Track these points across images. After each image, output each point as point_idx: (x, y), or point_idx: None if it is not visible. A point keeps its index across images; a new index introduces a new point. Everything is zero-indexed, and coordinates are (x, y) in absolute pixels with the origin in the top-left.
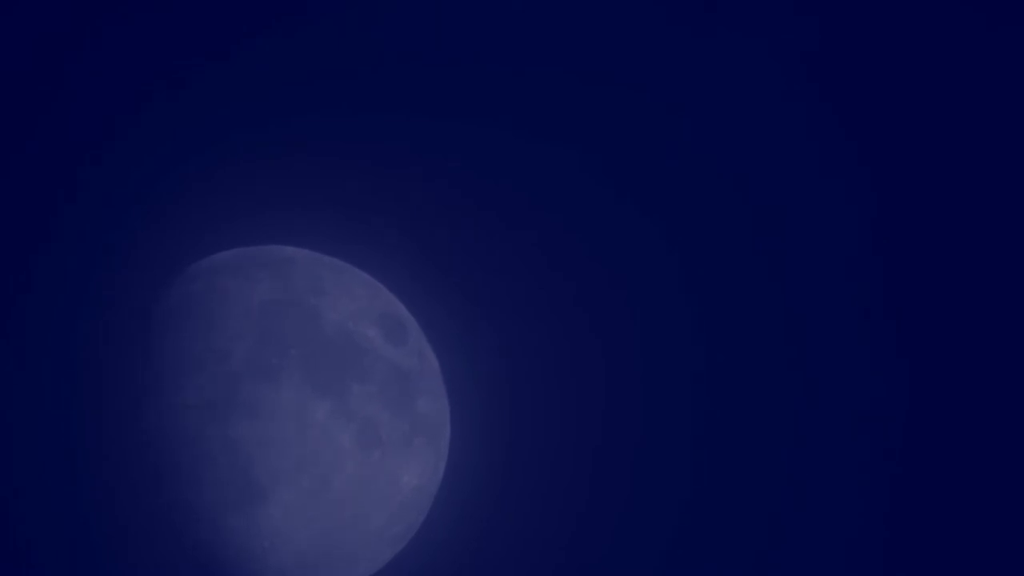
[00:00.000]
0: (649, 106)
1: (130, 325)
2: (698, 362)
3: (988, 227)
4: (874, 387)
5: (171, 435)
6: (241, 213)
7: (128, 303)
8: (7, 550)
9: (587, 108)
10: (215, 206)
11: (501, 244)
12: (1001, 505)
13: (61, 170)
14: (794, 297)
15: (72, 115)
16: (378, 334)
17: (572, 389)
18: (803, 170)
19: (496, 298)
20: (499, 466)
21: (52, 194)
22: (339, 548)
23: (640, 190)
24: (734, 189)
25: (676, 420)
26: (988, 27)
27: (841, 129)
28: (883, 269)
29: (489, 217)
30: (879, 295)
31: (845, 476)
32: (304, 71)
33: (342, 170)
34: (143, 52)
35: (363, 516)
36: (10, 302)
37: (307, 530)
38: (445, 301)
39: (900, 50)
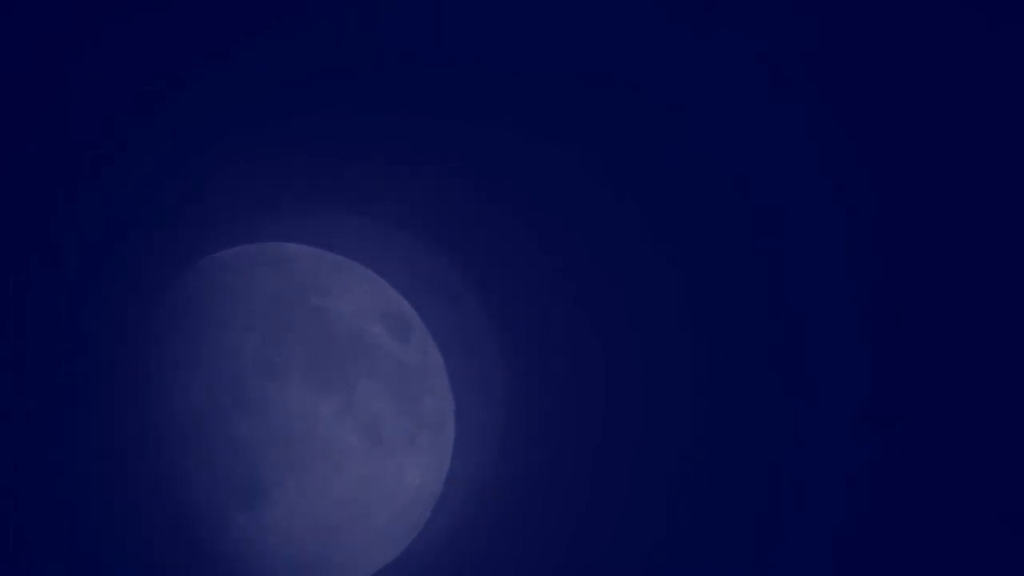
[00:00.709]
0: (649, 106)
1: (133, 324)
2: (699, 361)
3: (989, 228)
4: (874, 388)
5: (175, 433)
6: (243, 211)
7: (130, 302)
8: (9, 550)
9: (587, 108)
10: (217, 204)
11: (501, 244)
12: (1000, 506)
13: (60, 170)
14: (794, 297)
15: (72, 115)
16: (382, 331)
17: (573, 388)
18: (804, 170)
19: (497, 296)
20: (504, 464)
21: (51, 194)
22: (343, 546)
23: (640, 190)
24: (734, 189)
25: (678, 419)
26: (988, 27)
27: (841, 129)
28: (884, 270)
29: (489, 216)
30: (880, 296)
31: (845, 476)
32: (304, 71)
33: (343, 169)
34: (143, 52)
35: (367, 514)
36: (12, 303)
37: (311, 528)
38: (449, 298)
39: (902, 50)
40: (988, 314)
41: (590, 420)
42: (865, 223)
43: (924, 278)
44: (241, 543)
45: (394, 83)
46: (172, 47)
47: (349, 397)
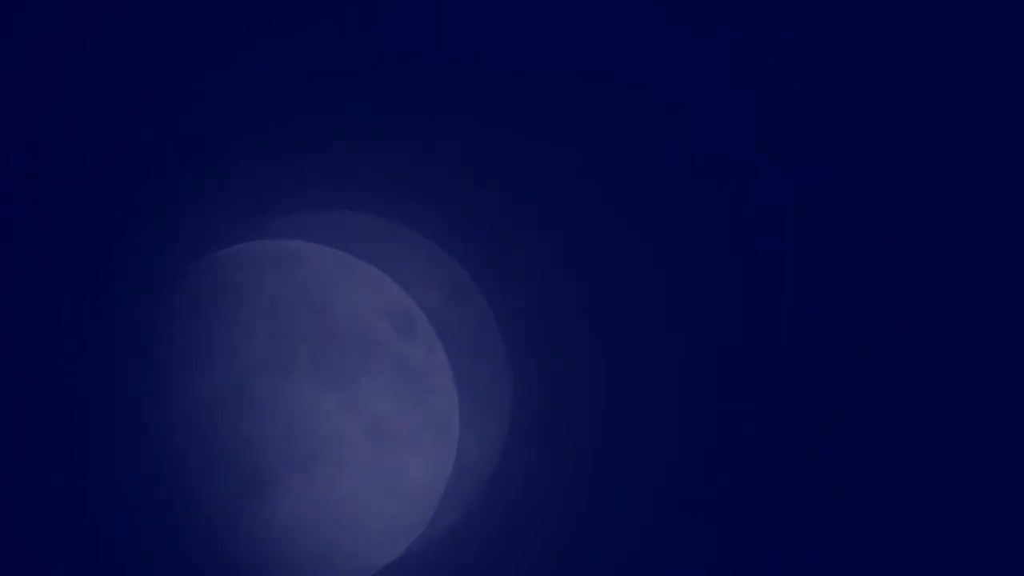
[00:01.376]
0: (649, 106)
1: (136, 323)
2: (699, 361)
3: (988, 228)
4: (874, 389)
5: (179, 431)
6: (246, 209)
7: (133, 300)
8: (13, 547)
9: (587, 108)
10: (219, 202)
11: (501, 243)
12: (1000, 506)
13: (61, 170)
14: (795, 297)
15: (72, 115)
16: (387, 327)
17: (577, 387)
18: (804, 170)
19: (500, 295)
20: (509, 461)
21: (52, 195)
22: (347, 543)
23: (640, 190)
24: (734, 189)
25: (680, 420)
26: (989, 27)
27: (842, 130)
28: (884, 269)
29: (489, 215)
30: (879, 296)
31: (845, 476)
32: (304, 71)
33: (342, 169)
34: (143, 52)
35: (371, 511)
36: (12, 304)
37: (315, 525)
38: (452, 296)
39: (902, 50)
40: (988, 314)
41: (595, 419)
42: (865, 223)
43: (924, 278)
44: (245, 540)
45: (394, 83)
46: (172, 47)
47: (353, 394)
